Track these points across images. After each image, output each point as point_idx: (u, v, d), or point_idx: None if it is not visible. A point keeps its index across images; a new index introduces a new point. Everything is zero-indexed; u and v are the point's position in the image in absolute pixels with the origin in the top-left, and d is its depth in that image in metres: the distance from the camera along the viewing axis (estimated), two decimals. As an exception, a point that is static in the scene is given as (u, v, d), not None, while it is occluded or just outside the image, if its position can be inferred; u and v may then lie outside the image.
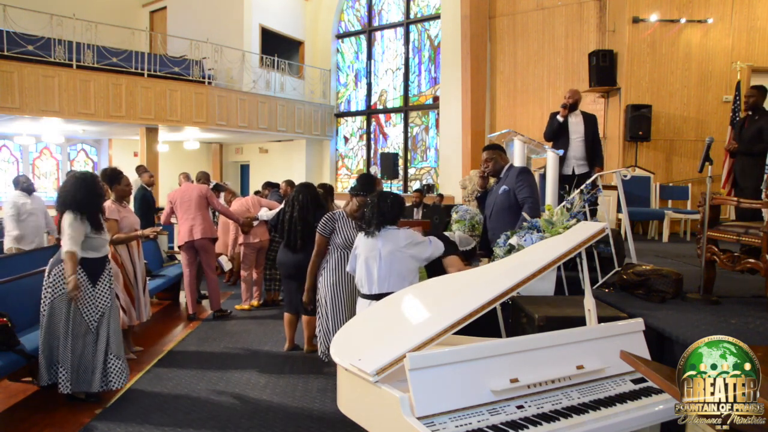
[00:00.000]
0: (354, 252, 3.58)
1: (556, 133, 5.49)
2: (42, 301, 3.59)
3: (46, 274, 3.62)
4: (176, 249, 7.23)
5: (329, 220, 4.07)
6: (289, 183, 7.15)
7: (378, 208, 3.40)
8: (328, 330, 4.09)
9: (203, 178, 6.65)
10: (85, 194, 3.62)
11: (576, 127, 5.47)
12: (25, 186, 6.27)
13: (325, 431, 3.36)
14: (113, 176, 4.65)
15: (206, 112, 11.46)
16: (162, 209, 8.18)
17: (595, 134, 5.54)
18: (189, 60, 11.67)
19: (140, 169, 8.68)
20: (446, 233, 5.58)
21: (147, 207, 7.36)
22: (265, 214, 6.44)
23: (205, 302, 6.70)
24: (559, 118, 5.47)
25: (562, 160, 5.34)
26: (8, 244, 6.11)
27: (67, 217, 3.55)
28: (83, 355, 3.60)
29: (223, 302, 6.50)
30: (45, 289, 3.59)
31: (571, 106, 5.49)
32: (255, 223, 6.39)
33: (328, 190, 5.62)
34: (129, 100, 10.50)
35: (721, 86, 8.51)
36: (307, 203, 4.71)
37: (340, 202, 5.98)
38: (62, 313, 3.55)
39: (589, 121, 5.52)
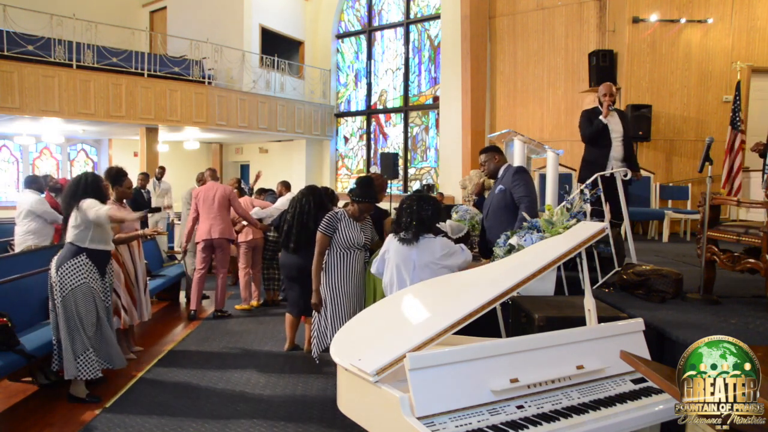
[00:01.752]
0: (383, 255, 3.51)
1: (596, 135, 5.08)
2: (53, 301, 3.69)
3: (53, 272, 3.68)
4: (177, 248, 7.25)
5: (332, 219, 4.05)
6: (285, 184, 7.16)
7: (418, 216, 3.32)
8: (325, 331, 4.07)
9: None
10: (85, 187, 3.78)
11: (615, 126, 5.05)
12: (37, 186, 6.32)
13: (325, 431, 3.36)
14: (117, 177, 4.65)
15: (206, 112, 11.46)
16: (157, 209, 8.25)
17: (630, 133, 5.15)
18: (189, 60, 11.66)
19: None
20: (437, 224, 5.56)
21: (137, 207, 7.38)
22: (257, 213, 6.47)
23: (206, 302, 6.71)
24: (603, 119, 5.02)
25: (603, 163, 4.98)
26: (27, 242, 6.10)
27: (86, 202, 3.71)
28: (111, 338, 3.87)
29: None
30: (54, 287, 3.67)
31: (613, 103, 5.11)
32: (244, 223, 6.40)
33: (330, 197, 5.58)
34: (129, 100, 10.49)
35: (721, 86, 8.52)
36: (310, 208, 4.67)
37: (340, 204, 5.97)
38: (78, 306, 3.67)
39: (626, 118, 5.18)
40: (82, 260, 3.70)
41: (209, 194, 6.00)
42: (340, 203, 5.88)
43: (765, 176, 4.88)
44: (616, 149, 5.02)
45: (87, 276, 3.70)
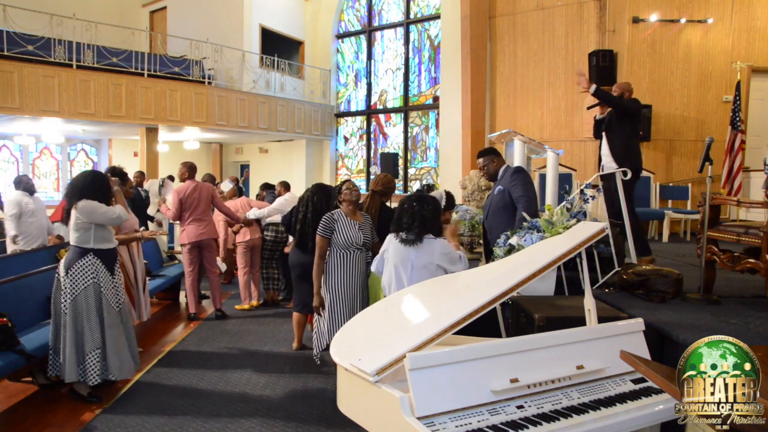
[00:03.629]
0: (382, 255, 3.54)
1: (599, 132, 5.08)
2: (62, 302, 3.65)
3: (63, 275, 3.66)
4: (177, 248, 7.24)
5: (329, 221, 4.07)
6: (284, 184, 7.17)
7: (420, 216, 3.31)
8: (324, 331, 4.09)
9: (207, 178, 6.67)
10: (90, 184, 3.75)
11: (610, 122, 4.94)
12: (27, 186, 6.29)
13: (325, 431, 3.36)
14: (120, 177, 4.66)
15: (206, 112, 11.46)
16: (152, 218, 8.23)
17: (628, 126, 4.84)
18: (189, 60, 11.66)
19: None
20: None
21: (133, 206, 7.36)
22: (254, 213, 6.48)
23: (206, 302, 6.71)
24: (597, 115, 5.05)
25: (599, 158, 4.99)
26: (9, 244, 6.13)
27: (87, 205, 3.66)
28: (119, 343, 3.77)
29: (223, 302, 6.49)
30: (64, 288, 3.64)
31: None
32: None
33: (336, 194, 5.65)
34: (129, 100, 10.49)
35: (721, 86, 8.51)
36: (322, 206, 4.67)
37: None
38: (89, 306, 3.65)
39: (615, 116, 4.90)
40: (90, 260, 3.68)
41: (194, 195, 5.95)
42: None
43: (765, 177, 4.86)
44: (604, 145, 4.99)
45: (97, 276, 3.69)
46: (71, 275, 3.64)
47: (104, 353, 3.70)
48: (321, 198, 4.72)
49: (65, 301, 3.64)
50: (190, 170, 6.14)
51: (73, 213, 3.69)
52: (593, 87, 4.71)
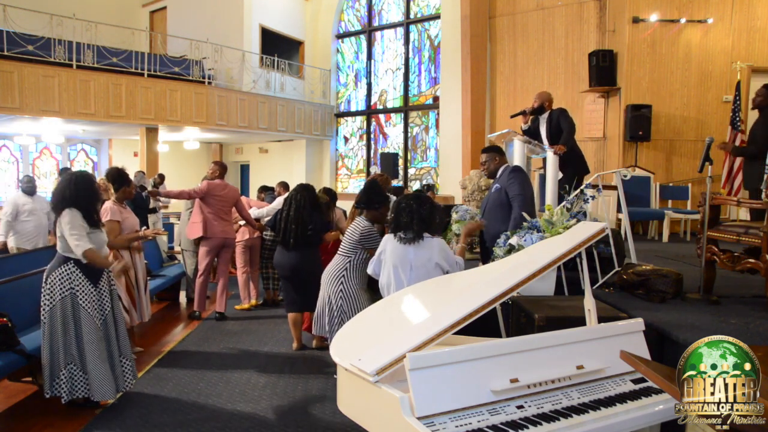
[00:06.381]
0: (378, 256, 3.51)
1: (540, 138, 5.39)
2: (42, 309, 3.49)
3: (43, 280, 3.52)
4: (177, 248, 7.23)
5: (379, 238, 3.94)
6: (283, 185, 7.17)
7: (419, 215, 3.31)
8: (322, 319, 4.19)
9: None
10: (74, 191, 3.50)
11: (542, 130, 5.41)
12: (25, 187, 6.35)
13: (325, 431, 3.36)
14: (123, 178, 4.64)
15: (206, 112, 11.46)
16: (153, 209, 8.24)
17: (560, 125, 5.23)
18: (189, 60, 11.66)
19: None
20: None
21: (136, 206, 7.36)
22: (252, 212, 6.49)
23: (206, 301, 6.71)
24: (522, 126, 5.44)
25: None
26: (9, 244, 6.14)
27: (65, 216, 3.45)
28: (97, 361, 3.51)
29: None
30: (43, 295, 3.49)
31: (536, 110, 5.40)
32: (242, 222, 6.40)
33: (332, 196, 5.56)
34: (129, 100, 10.49)
35: (721, 86, 8.51)
36: (305, 204, 4.71)
37: (340, 203, 5.97)
38: (66, 318, 3.45)
39: (554, 117, 5.33)
40: (69, 269, 3.46)
41: (222, 192, 5.97)
42: (342, 203, 5.90)
43: (765, 176, 4.86)
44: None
45: (73, 287, 3.45)
46: (49, 283, 3.46)
47: (84, 369, 3.46)
48: (305, 197, 4.75)
49: (44, 310, 3.47)
50: (221, 169, 6.23)
51: (58, 221, 3.50)
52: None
